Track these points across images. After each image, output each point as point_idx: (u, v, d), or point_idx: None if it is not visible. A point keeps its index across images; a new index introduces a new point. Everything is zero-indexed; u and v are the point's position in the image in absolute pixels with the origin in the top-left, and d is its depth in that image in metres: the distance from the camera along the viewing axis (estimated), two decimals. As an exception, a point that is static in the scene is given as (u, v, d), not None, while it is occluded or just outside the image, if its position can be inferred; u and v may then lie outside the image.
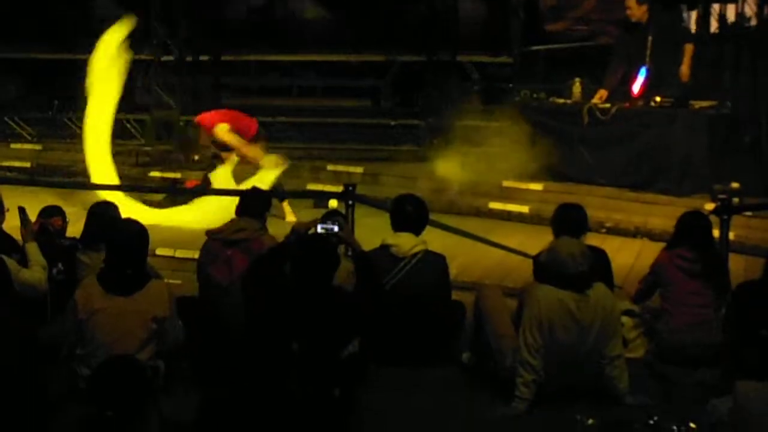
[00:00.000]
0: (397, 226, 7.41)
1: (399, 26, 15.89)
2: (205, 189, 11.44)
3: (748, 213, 10.06)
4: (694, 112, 11.27)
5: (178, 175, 13.44)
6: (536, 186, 11.73)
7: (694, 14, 14.07)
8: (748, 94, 11.39)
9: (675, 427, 6.04)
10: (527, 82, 13.65)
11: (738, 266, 8.82)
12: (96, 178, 11.19)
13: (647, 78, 11.27)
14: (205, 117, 11.83)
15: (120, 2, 15.57)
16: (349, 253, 7.29)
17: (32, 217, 7.42)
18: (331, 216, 7.20)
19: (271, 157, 11.42)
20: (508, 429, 6.22)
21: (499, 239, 9.84)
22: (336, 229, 6.80)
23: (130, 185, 12.64)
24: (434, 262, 7.35)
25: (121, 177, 13.42)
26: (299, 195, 10.77)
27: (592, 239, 8.20)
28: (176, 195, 11.69)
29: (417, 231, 7.40)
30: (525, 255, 8.54)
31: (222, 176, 11.31)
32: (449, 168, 11.85)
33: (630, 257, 9.77)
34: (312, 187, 12.48)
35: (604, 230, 10.71)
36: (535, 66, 15.03)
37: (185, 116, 15.19)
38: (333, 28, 16.40)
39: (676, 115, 11.15)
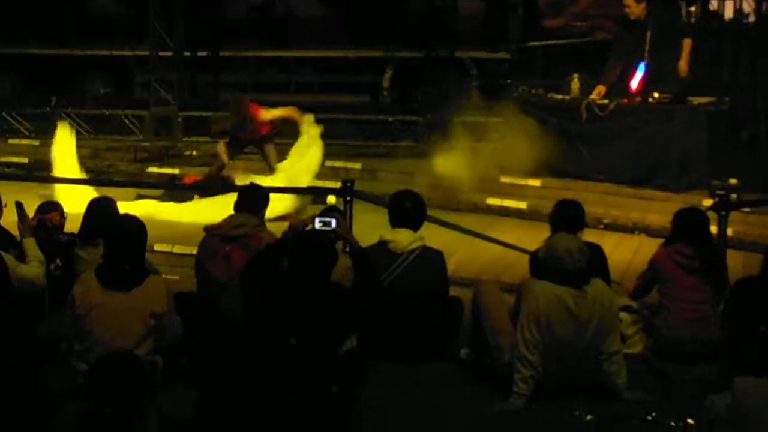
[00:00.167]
0: (395, 222, 7.41)
1: (397, 22, 15.91)
2: (204, 187, 11.48)
3: (747, 209, 10.06)
4: (692, 109, 11.27)
5: (176, 171, 13.44)
6: (534, 182, 11.73)
7: (693, 10, 14.07)
8: (746, 90, 11.40)
9: (673, 423, 6.06)
10: (525, 78, 13.67)
11: (736, 262, 8.83)
12: None
13: (646, 74, 11.26)
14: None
15: (118, -1, 15.62)
16: (347, 249, 7.29)
17: (30, 212, 7.41)
18: (329, 212, 7.21)
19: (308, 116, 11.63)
20: (506, 425, 6.22)
21: (497, 235, 9.85)
22: (334, 225, 6.80)
23: (128, 181, 12.66)
24: (432, 258, 7.34)
25: (119, 173, 13.50)
26: (297, 191, 10.75)
27: (590, 235, 8.19)
28: (174, 191, 11.68)
29: (415, 227, 7.40)
30: (523, 251, 8.54)
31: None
32: (447, 164, 11.85)
33: (628, 253, 9.77)
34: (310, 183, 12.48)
35: (602, 226, 10.71)
36: (533, 62, 15.07)
37: (183, 112, 15.22)
38: (331, 24, 16.42)
39: (674, 111, 11.15)
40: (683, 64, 11.32)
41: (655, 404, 6.34)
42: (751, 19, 12.64)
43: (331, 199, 10.24)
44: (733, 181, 10.49)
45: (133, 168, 13.76)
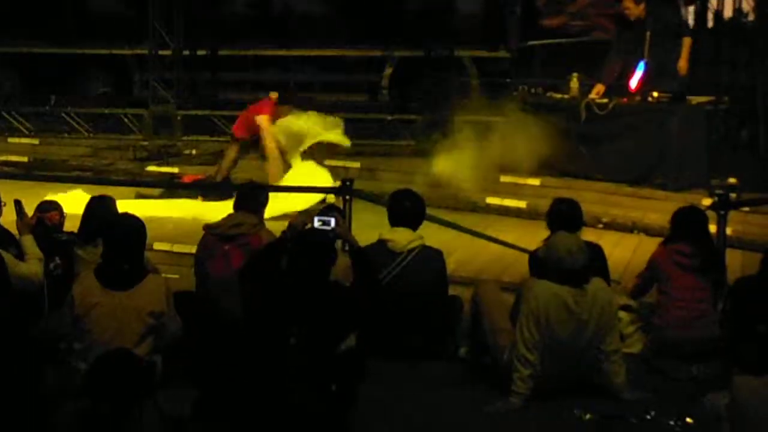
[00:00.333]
0: (395, 221, 7.41)
1: (396, 21, 15.89)
2: (203, 185, 11.48)
3: (746, 208, 10.06)
4: (691, 108, 11.27)
5: (175, 170, 13.43)
6: (534, 181, 11.73)
7: (691, 10, 14.08)
8: (746, 89, 11.41)
9: (672, 422, 6.06)
10: (525, 77, 13.66)
11: (735, 262, 8.83)
12: None
13: (645, 73, 11.26)
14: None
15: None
16: (347, 248, 7.29)
17: (29, 211, 7.40)
18: (328, 211, 7.21)
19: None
20: (505, 423, 6.22)
21: (496, 234, 9.85)
22: (333, 224, 6.80)
23: (127, 180, 12.66)
24: (431, 257, 7.35)
25: (118, 172, 13.49)
26: (296, 190, 10.74)
27: (589, 234, 8.20)
28: (173, 190, 11.68)
29: (414, 226, 7.40)
30: (522, 250, 8.54)
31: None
32: (447, 163, 11.84)
33: (627, 252, 9.76)
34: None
35: (601, 225, 10.70)
36: (532, 61, 15.06)
37: (182, 111, 15.22)
38: (330, 23, 16.39)
39: (673, 110, 11.15)
40: (683, 63, 11.33)
41: (654, 403, 6.35)
42: (750, 18, 12.63)
43: (331, 198, 10.25)
44: (732, 180, 10.49)
45: (133, 167, 13.75)
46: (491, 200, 11.76)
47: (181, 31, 15.52)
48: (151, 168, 13.66)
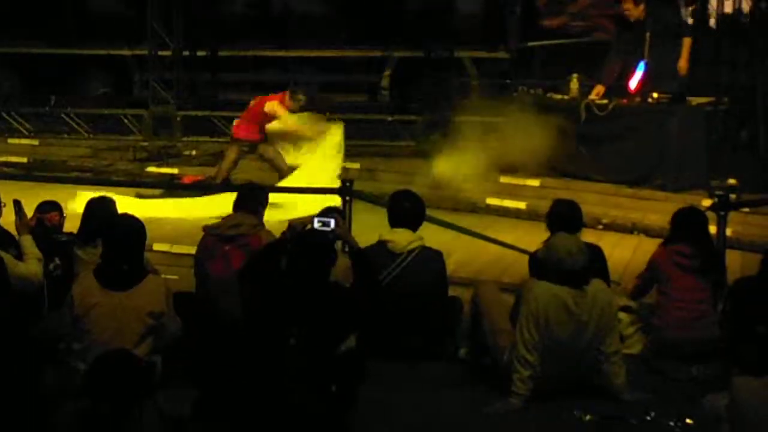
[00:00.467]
0: (394, 221, 7.41)
1: (396, 22, 15.89)
2: (203, 186, 11.47)
3: (746, 209, 10.07)
4: (691, 108, 11.28)
5: (175, 171, 13.43)
6: (533, 182, 11.73)
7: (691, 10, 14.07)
8: (745, 90, 11.40)
9: (672, 423, 6.06)
10: (524, 78, 13.66)
11: (735, 262, 8.83)
12: None
13: (645, 73, 11.26)
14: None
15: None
16: (346, 249, 7.29)
17: (29, 212, 7.40)
18: (328, 212, 7.21)
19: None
20: (505, 424, 6.22)
21: (496, 235, 9.85)
22: (333, 225, 6.79)
23: (127, 181, 12.65)
24: (431, 258, 7.35)
25: (118, 172, 13.48)
26: (296, 191, 10.74)
27: (589, 235, 8.20)
28: (173, 190, 11.68)
29: (414, 227, 7.40)
30: (522, 251, 8.54)
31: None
32: (447, 164, 11.85)
33: (627, 253, 9.77)
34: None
35: (601, 226, 10.71)
36: (532, 62, 15.06)
37: (182, 111, 15.22)
38: (330, 23, 16.40)
39: (673, 111, 11.16)
40: (683, 63, 11.33)
41: (654, 404, 6.34)
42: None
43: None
44: (732, 181, 10.50)
45: (133, 167, 13.74)
46: (491, 201, 11.77)
47: (180, 31, 15.51)
48: (151, 169, 13.66)
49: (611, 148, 11.40)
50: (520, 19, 14.86)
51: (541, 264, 6.62)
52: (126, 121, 15.45)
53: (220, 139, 14.35)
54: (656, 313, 7.34)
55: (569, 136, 11.52)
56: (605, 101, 11.44)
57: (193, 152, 14.36)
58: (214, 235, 7.66)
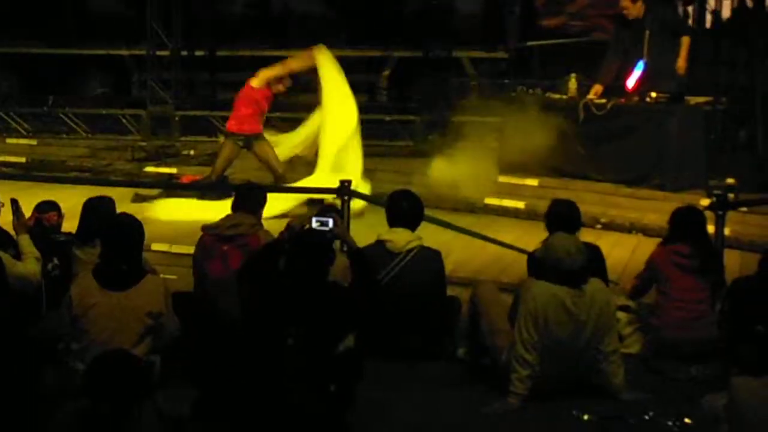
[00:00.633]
0: (393, 221, 7.41)
1: (396, 21, 15.90)
2: (201, 186, 11.47)
3: (744, 209, 10.07)
4: (689, 108, 11.27)
5: (173, 170, 13.43)
6: (532, 181, 11.73)
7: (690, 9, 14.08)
8: (744, 90, 11.41)
9: (670, 423, 6.06)
10: (523, 78, 13.66)
11: (733, 262, 8.83)
12: None
13: (644, 72, 11.26)
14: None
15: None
16: (345, 248, 7.29)
17: (27, 212, 7.40)
18: (326, 212, 7.21)
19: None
20: (504, 424, 6.22)
21: (494, 235, 9.84)
22: (331, 224, 6.79)
23: (125, 180, 12.65)
24: (429, 257, 7.34)
25: (116, 172, 13.47)
26: (295, 191, 10.75)
27: (588, 235, 8.21)
28: (172, 190, 11.68)
29: (412, 227, 7.39)
30: (521, 251, 8.55)
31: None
32: (445, 164, 11.85)
33: (625, 253, 9.77)
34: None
35: (599, 226, 10.71)
36: (530, 61, 15.06)
37: (180, 111, 15.23)
38: (330, 23, 16.39)
39: (672, 110, 11.15)
40: (682, 62, 11.31)
41: (653, 404, 6.34)
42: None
43: (329, 199, 10.23)
44: (730, 180, 10.50)
45: (131, 167, 13.74)
46: (490, 201, 11.76)
47: (179, 31, 15.52)
48: (150, 168, 13.66)
49: (610, 147, 11.40)
50: (519, 19, 14.87)
51: (539, 264, 6.62)
52: (124, 121, 15.46)
53: (218, 139, 14.33)
54: (655, 312, 7.34)
55: (568, 136, 11.51)
56: (604, 101, 11.42)
57: (192, 152, 14.36)
58: (212, 234, 7.65)
